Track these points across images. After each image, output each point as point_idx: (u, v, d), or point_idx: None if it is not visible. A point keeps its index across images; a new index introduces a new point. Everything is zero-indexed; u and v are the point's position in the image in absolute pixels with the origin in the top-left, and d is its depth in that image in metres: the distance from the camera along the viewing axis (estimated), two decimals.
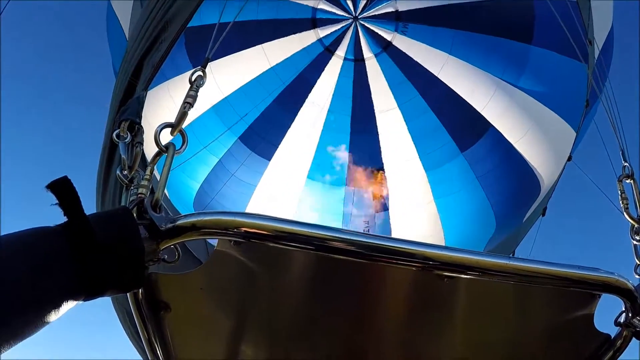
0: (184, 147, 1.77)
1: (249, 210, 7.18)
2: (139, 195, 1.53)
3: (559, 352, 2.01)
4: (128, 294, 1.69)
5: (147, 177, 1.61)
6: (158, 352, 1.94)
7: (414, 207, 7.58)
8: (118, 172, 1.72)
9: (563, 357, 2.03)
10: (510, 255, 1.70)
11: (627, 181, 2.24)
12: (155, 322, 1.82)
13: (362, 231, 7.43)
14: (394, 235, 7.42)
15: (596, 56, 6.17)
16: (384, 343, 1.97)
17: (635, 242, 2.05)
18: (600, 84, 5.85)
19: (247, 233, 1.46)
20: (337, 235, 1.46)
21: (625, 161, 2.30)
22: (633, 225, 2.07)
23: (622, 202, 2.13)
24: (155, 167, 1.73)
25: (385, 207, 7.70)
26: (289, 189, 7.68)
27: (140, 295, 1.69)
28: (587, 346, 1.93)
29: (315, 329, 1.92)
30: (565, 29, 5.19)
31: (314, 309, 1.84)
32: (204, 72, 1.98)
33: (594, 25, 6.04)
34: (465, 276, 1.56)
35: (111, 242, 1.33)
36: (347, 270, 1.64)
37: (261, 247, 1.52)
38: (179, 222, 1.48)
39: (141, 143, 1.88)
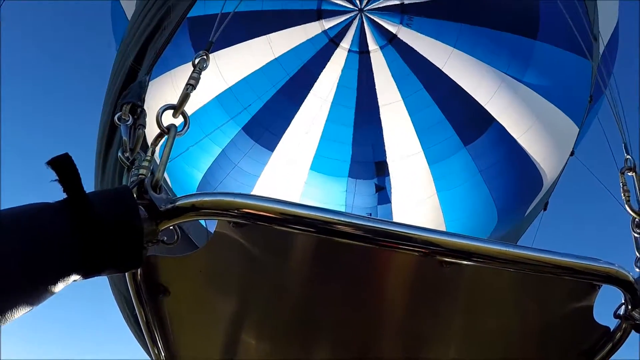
0: (185, 129, 1.77)
1: None
2: (140, 176, 1.53)
3: (558, 343, 2.01)
4: (127, 276, 1.70)
5: (148, 158, 1.61)
6: (156, 337, 1.94)
7: (416, 200, 7.58)
8: (119, 154, 1.72)
9: (562, 348, 2.03)
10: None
11: (629, 174, 2.23)
12: (154, 306, 1.83)
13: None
14: None
15: (601, 52, 6.16)
16: (384, 329, 1.98)
17: (635, 235, 2.04)
18: (605, 79, 5.83)
19: (247, 214, 1.46)
20: (337, 217, 1.46)
21: (628, 154, 2.30)
22: (634, 218, 2.06)
23: (624, 195, 2.12)
24: (157, 151, 1.73)
25: (387, 200, 7.71)
26: (292, 180, 7.70)
27: (139, 277, 1.69)
28: (586, 338, 1.93)
29: (316, 315, 1.93)
30: (572, 24, 5.17)
31: (315, 294, 1.84)
32: (207, 55, 1.98)
33: (599, 21, 6.02)
34: (465, 262, 1.56)
35: (110, 221, 1.33)
36: (349, 255, 1.64)
37: (262, 229, 1.52)
38: (178, 203, 1.48)
39: (143, 125, 1.88)
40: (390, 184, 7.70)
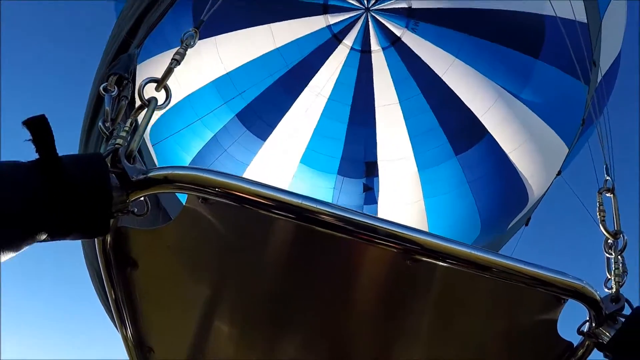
0: (166, 102, 1.76)
1: None
2: (116, 145, 1.53)
3: (523, 352, 2.02)
4: (97, 246, 1.69)
5: (127, 128, 1.61)
6: (125, 314, 1.93)
7: (402, 203, 7.61)
8: (100, 123, 1.72)
9: (526, 358, 2.04)
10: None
11: (608, 195, 2.25)
12: (123, 280, 1.82)
13: None
14: None
15: (599, 78, 6.23)
16: (355, 322, 1.98)
17: (608, 256, 2.06)
18: (597, 105, 5.91)
19: (218, 191, 1.45)
20: (306, 203, 1.46)
21: (608, 175, 2.32)
22: (607, 239, 2.08)
23: (600, 215, 2.14)
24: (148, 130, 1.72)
25: (374, 200, 7.73)
26: (281, 172, 7.69)
27: (109, 247, 1.68)
28: (549, 351, 1.94)
29: (285, 302, 1.93)
30: (570, 47, 5.21)
31: (285, 281, 1.84)
32: (196, 32, 1.98)
33: (601, 47, 6.08)
34: (441, 263, 1.57)
35: (80, 184, 1.33)
36: (322, 244, 1.64)
37: (232, 209, 1.52)
38: (150, 174, 1.48)
39: (127, 97, 1.87)
40: (378, 185, 7.72)
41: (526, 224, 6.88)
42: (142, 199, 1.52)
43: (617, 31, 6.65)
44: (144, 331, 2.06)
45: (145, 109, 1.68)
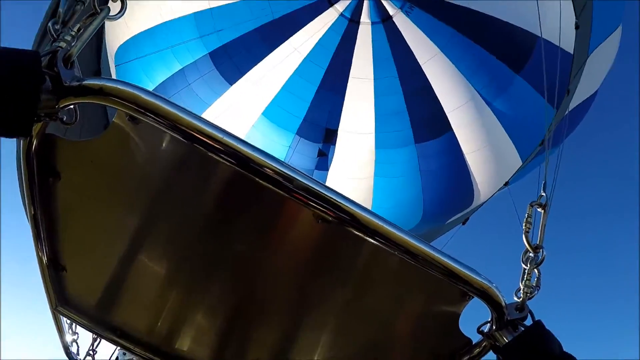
0: (120, 14, 1.67)
1: None
2: (57, 47, 1.45)
3: (422, 341, 2.09)
4: (21, 149, 1.62)
5: (73, 33, 1.53)
6: (40, 224, 1.86)
7: (352, 176, 7.67)
8: (50, 24, 1.62)
9: (424, 347, 2.10)
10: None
11: (539, 209, 2.30)
12: (44, 189, 1.75)
13: None
14: None
15: (570, 107, 6.40)
16: (273, 273, 1.98)
17: (524, 267, 2.11)
18: (562, 130, 6.10)
19: (147, 110, 1.40)
20: (222, 136, 1.43)
21: (544, 192, 2.37)
22: (527, 250, 2.13)
23: (525, 226, 2.18)
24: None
25: (325, 167, 7.75)
26: (240, 119, 7.56)
27: (33, 151, 1.61)
28: (448, 343, 2.00)
29: (201, 231, 1.90)
30: (548, 73, 5.31)
31: (202, 212, 1.81)
32: None
33: (580, 81, 6.22)
34: (342, 225, 1.56)
35: (8, 77, 1.27)
36: (237, 183, 1.62)
37: (160, 133, 1.47)
38: (85, 82, 1.42)
39: (83, 3, 1.75)
40: (333, 154, 7.74)
41: (463, 223, 7.10)
42: (72, 107, 1.45)
43: (601, 71, 6.81)
44: (59, 248, 1.99)
45: (96, 17, 1.59)
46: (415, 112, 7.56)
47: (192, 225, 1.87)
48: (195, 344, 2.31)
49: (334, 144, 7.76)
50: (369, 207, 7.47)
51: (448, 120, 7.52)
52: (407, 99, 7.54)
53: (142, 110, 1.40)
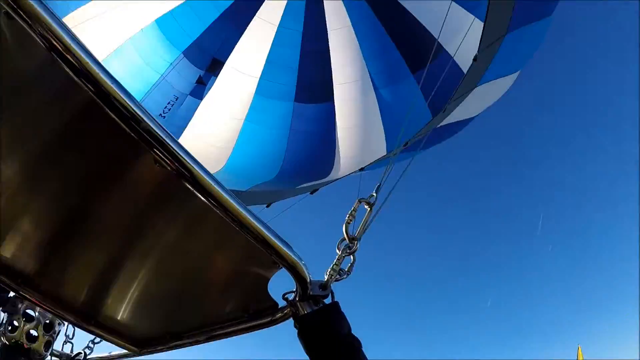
0: None
1: None
2: None
3: (234, 295, 2.18)
4: None
5: None
6: None
7: (223, 114, 7.50)
8: None
9: (235, 300, 2.20)
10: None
11: (365, 207, 2.46)
12: None
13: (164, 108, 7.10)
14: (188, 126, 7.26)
15: (442, 122, 6.88)
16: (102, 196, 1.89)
17: (338, 252, 2.27)
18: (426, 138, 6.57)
19: (27, 13, 1.24)
20: (88, 60, 1.33)
21: (376, 193, 2.54)
22: (344, 239, 2.29)
23: (348, 217, 2.31)
24: None
25: (200, 96, 7.46)
26: (132, 19, 6.90)
27: None
28: (256, 302, 2.12)
29: (44, 146, 1.75)
30: (436, 85, 5.61)
31: (50, 124, 1.67)
32: None
33: (459, 104, 6.69)
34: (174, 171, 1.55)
35: None
36: (85, 108, 1.53)
37: (32, 43, 1.31)
38: None
39: None
40: (212, 85, 7.46)
41: (311, 193, 7.36)
42: None
43: (480, 105, 7.34)
44: None
45: None
46: (305, 72, 7.57)
47: (38, 138, 1.71)
48: (19, 251, 2.15)
49: (217, 75, 7.48)
50: (230, 147, 7.43)
51: (333, 91, 7.65)
52: (302, 57, 7.51)
53: (16, 7, 1.22)
